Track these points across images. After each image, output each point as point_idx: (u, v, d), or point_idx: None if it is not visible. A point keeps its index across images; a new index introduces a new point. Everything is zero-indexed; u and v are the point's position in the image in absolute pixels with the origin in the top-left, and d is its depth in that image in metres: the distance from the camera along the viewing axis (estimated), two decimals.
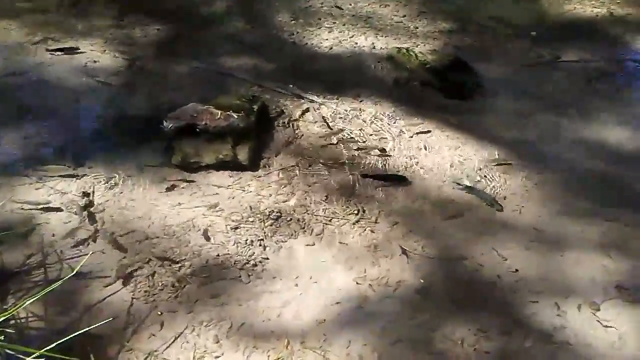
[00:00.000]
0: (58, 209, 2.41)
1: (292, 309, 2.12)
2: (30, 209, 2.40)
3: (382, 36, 3.74)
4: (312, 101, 3.13)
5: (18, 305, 1.91)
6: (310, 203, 2.55)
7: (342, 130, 2.96)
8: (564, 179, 2.77)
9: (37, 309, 2.02)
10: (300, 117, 3.02)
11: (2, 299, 2.02)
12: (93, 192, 2.51)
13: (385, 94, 3.25)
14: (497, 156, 2.87)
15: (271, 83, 3.23)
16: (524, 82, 3.45)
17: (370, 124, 3.01)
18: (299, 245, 2.36)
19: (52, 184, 2.52)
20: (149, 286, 2.15)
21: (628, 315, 2.17)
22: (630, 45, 3.90)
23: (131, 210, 2.45)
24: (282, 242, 2.38)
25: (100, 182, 2.56)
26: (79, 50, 3.36)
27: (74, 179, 2.55)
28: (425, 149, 2.89)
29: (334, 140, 2.89)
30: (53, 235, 2.31)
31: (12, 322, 1.94)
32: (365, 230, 2.45)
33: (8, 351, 1.74)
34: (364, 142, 2.90)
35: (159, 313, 2.07)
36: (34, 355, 1.68)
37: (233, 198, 2.55)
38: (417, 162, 2.81)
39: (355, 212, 2.53)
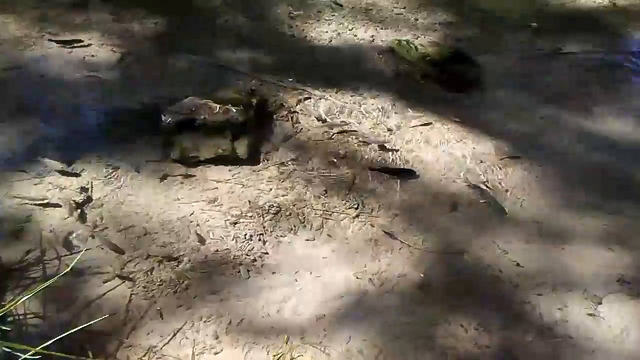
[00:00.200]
0: (56, 205, 2.39)
1: (292, 305, 2.11)
2: (28, 205, 2.39)
3: (382, 28, 3.71)
4: (311, 94, 3.11)
5: (15, 302, 1.89)
6: (310, 197, 2.54)
7: (341, 123, 2.94)
8: (565, 172, 2.75)
9: (35, 306, 2.01)
10: (299, 111, 2.99)
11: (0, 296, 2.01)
12: (91, 187, 2.49)
13: (385, 86, 3.23)
14: (498, 149, 2.85)
15: (270, 76, 3.21)
16: (525, 74, 3.43)
17: (370, 117, 2.99)
18: (298, 240, 2.35)
19: (50, 180, 2.50)
20: (147, 282, 2.14)
21: (630, 308, 2.16)
22: (632, 36, 3.88)
23: (129, 205, 2.43)
24: (282, 237, 2.36)
25: (99, 177, 2.54)
26: (84, 43, 3.33)
27: (72, 174, 2.54)
28: (426, 142, 2.87)
29: (334, 134, 2.88)
30: (51, 231, 2.29)
31: (10, 319, 1.92)
32: (365, 224, 2.43)
33: (5, 349, 1.73)
34: (363, 135, 2.88)
35: (158, 309, 2.05)
36: (31, 353, 1.67)
37: (232, 193, 2.53)
38: (417, 156, 2.79)
39: (355, 206, 2.51)
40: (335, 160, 2.73)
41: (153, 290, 2.12)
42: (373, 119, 2.99)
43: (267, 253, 2.29)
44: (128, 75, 3.17)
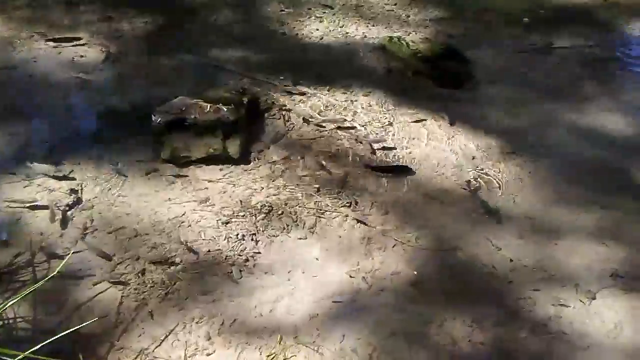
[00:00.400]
0: (46, 207, 2.37)
1: (285, 304, 2.09)
2: (17, 207, 2.36)
3: (373, 25, 3.70)
4: (303, 92, 3.09)
5: (3, 306, 1.87)
6: (302, 196, 2.52)
7: (333, 121, 2.92)
8: (559, 167, 2.74)
9: (25, 310, 1.99)
10: (291, 109, 2.98)
11: None
12: (81, 189, 2.47)
13: (377, 83, 3.21)
14: (490, 145, 2.84)
15: (261, 75, 3.19)
16: (517, 69, 3.42)
17: (362, 115, 2.98)
18: (291, 239, 2.33)
19: (40, 182, 2.48)
20: (138, 284, 2.12)
21: (624, 303, 2.15)
22: (623, 30, 3.87)
23: (120, 206, 2.41)
24: (274, 236, 2.34)
25: (88, 178, 2.52)
26: (73, 43, 3.30)
27: (62, 176, 2.51)
28: (418, 138, 2.86)
29: (326, 132, 2.86)
30: (41, 233, 2.27)
31: None
32: (358, 222, 2.42)
33: None
34: (356, 132, 2.87)
35: (149, 311, 2.03)
36: (19, 357, 1.65)
37: (224, 192, 2.51)
38: (410, 152, 2.78)
39: (348, 204, 2.50)
40: (327, 158, 2.71)
41: (144, 292, 2.10)
42: (365, 116, 2.97)
43: (259, 253, 2.27)
44: (118, 75, 3.15)
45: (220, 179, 2.58)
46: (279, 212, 2.43)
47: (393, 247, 2.33)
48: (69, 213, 2.35)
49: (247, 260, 2.24)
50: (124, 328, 1.98)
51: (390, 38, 3.52)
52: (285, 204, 2.47)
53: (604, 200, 2.57)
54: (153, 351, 1.92)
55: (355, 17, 3.77)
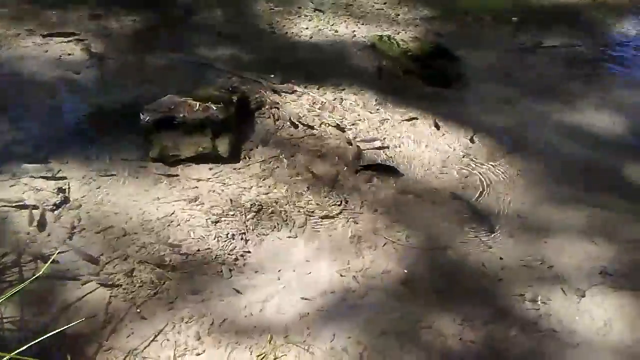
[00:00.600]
0: (33, 207, 2.34)
1: (275, 303, 2.08)
2: (4, 207, 2.33)
3: (362, 24, 3.69)
4: (293, 91, 3.08)
5: None
6: (292, 195, 2.51)
7: (323, 120, 2.91)
8: (548, 166, 2.75)
9: (12, 310, 1.96)
10: (281, 108, 2.96)
11: None
12: (69, 188, 2.44)
13: (367, 82, 3.21)
14: (480, 144, 2.84)
15: (251, 73, 3.17)
16: (506, 68, 3.43)
17: (352, 113, 2.97)
18: (281, 238, 2.32)
19: (26, 181, 2.45)
20: (127, 283, 2.10)
21: (613, 301, 2.16)
22: (612, 30, 3.90)
23: (108, 206, 2.39)
24: (264, 235, 2.33)
25: (76, 178, 2.49)
26: (61, 41, 3.27)
27: (49, 175, 2.48)
28: (408, 137, 2.86)
29: (316, 131, 2.85)
30: (28, 233, 2.24)
31: None
32: (348, 221, 2.41)
33: None
34: (346, 132, 2.86)
35: (138, 311, 2.02)
36: (6, 358, 1.62)
37: (213, 191, 2.50)
38: (400, 151, 2.78)
39: (338, 203, 2.49)
40: (317, 157, 2.70)
41: (133, 291, 2.08)
42: (355, 115, 2.97)
43: (249, 252, 2.26)
44: (106, 73, 3.12)
45: (209, 177, 2.56)
46: (269, 211, 2.42)
47: (383, 246, 2.32)
48: (53, 213, 2.33)
49: (237, 259, 2.23)
50: (112, 328, 1.96)
51: (380, 37, 3.52)
52: (276, 203, 2.46)
53: (593, 198, 2.58)
54: (142, 351, 1.90)
55: (345, 16, 3.76)
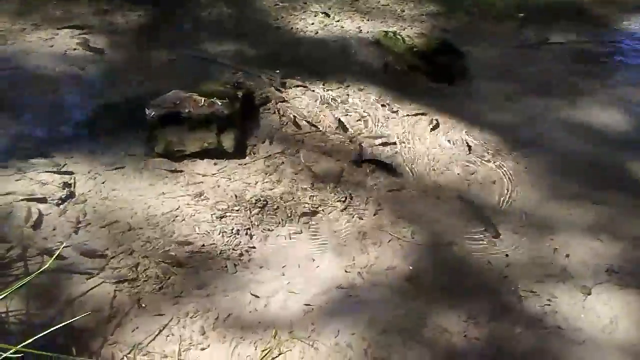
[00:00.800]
0: (38, 201, 2.35)
1: (280, 299, 2.08)
2: (10, 201, 2.34)
3: (368, 20, 3.69)
4: (298, 87, 3.08)
5: None
6: (297, 190, 2.51)
7: (328, 116, 2.91)
8: (553, 162, 2.74)
9: (18, 304, 1.97)
10: (286, 104, 2.96)
11: None
12: (74, 182, 2.45)
13: (372, 78, 3.20)
14: (485, 140, 2.84)
15: (256, 69, 3.17)
16: (512, 64, 3.42)
17: (357, 110, 2.97)
18: (286, 234, 2.32)
19: (32, 175, 2.46)
20: (132, 278, 2.10)
21: (619, 299, 2.15)
22: (617, 26, 3.88)
23: (114, 200, 2.39)
24: (269, 230, 2.33)
25: (82, 172, 2.49)
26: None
27: (55, 169, 2.49)
28: (413, 133, 2.85)
29: (321, 127, 2.85)
30: (33, 227, 2.25)
31: None
32: (353, 217, 2.41)
33: None
34: (350, 127, 2.85)
35: (143, 305, 2.02)
36: (12, 351, 1.63)
37: (218, 187, 2.50)
38: (405, 147, 2.77)
39: (343, 199, 2.49)
40: (322, 153, 2.70)
41: (138, 286, 2.08)
42: (360, 111, 2.96)
43: (254, 247, 2.26)
44: (111, 68, 3.13)
45: (214, 173, 2.56)
46: (274, 207, 2.42)
47: (388, 242, 2.32)
48: (59, 208, 2.33)
49: (241, 254, 2.23)
50: (117, 322, 1.96)
51: (386, 33, 3.51)
52: (280, 199, 2.46)
53: (598, 195, 2.57)
54: (147, 345, 1.90)
55: (351, 11, 3.75)
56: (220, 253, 2.22)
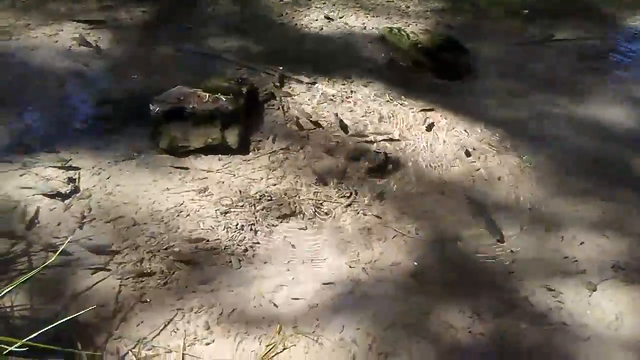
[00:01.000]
0: (43, 196, 2.35)
1: (284, 294, 2.08)
2: (15, 197, 2.34)
3: (373, 16, 3.68)
4: (302, 83, 3.07)
5: None
6: (302, 186, 2.50)
7: (332, 112, 2.90)
8: (559, 159, 2.73)
9: (23, 298, 1.97)
10: (290, 100, 2.96)
11: None
12: (79, 178, 2.45)
13: (377, 75, 3.20)
14: (491, 136, 2.83)
15: (260, 65, 3.17)
16: (517, 61, 3.41)
17: (361, 106, 2.96)
18: (290, 229, 2.32)
19: (37, 170, 2.46)
20: (137, 273, 2.10)
21: (625, 295, 2.14)
22: (623, 22, 3.86)
23: (118, 196, 2.39)
24: (273, 226, 2.33)
25: (86, 168, 2.49)
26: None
27: (60, 165, 2.49)
28: (418, 129, 2.84)
29: (325, 123, 2.84)
30: (38, 222, 2.25)
31: None
32: (357, 213, 2.41)
33: None
34: (355, 124, 2.85)
35: (148, 300, 2.02)
36: (17, 345, 1.63)
37: (223, 182, 2.49)
38: (410, 143, 2.76)
39: (348, 194, 2.49)
40: (326, 149, 2.70)
41: (143, 281, 2.08)
42: (364, 107, 2.95)
43: (258, 243, 2.26)
44: (115, 64, 3.13)
45: (219, 169, 2.56)
46: (279, 203, 2.42)
47: (393, 238, 2.31)
48: (64, 203, 2.33)
49: (246, 250, 2.23)
50: (122, 317, 1.96)
51: (390, 29, 3.50)
52: (285, 194, 2.46)
53: (604, 192, 2.56)
54: (152, 340, 1.90)
55: (355, 8, 3.75)
56: (224, 248, 2.22)
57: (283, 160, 2.62)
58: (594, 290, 2.15)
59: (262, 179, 2.52)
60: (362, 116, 2.90)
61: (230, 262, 2.18)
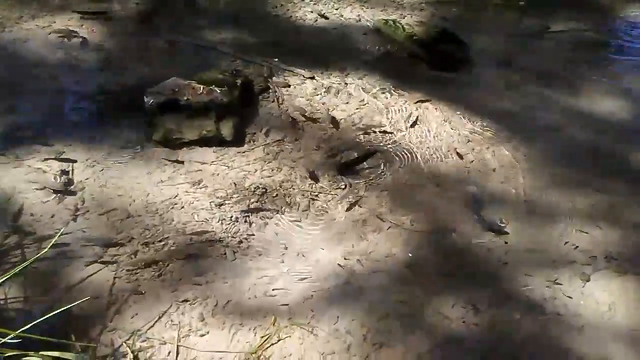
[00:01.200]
0: (37, 188, 2.34)
1: (279, 286, 2.08)
2: (8, 188, 2.33)
3: (368, 8, 3.66)
4: (297, 75, 3.06)
5: None
6: (296, 178, 2.50)
7: (327, 104, 2.90)
8: (553, 150, 2.74)
9: (17, 290, 1.97)
10: (285, 92, 2.95)
11: None
12: (72, 170, 2.44)
13: (372, 67, 3.19)
14: (486, 128, 2.83)
15: (255, 57, 3.16)
16: (513, 52, 3.40)
17: (356, 98, 2.96)
18: (285, 221, 2.32)
19: (30, 163, 2.44)
20: (131, 265, 2.09)
21: (618, 285, 2.15)
22: (619, 15, 3.86)
23: (112, 188, 2.38)
24: (268, 218, 2.33)
25: (80, 160, 2.48)
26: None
27: (53, 157, 2.48)
28: (413, 121, 2.84)
29: (320, 115, 2.84)
30: (31, 214, 2.24)
31: None
32: (352, 205, 2.40)
33: None
34: (349, 116, 2.84)
35: (142, 292, 2.02)
36: (11, 336, 1.63)
37: (217, 174, 2.49)
38: (405, 135, 2.76)
39: (342, 186, 2.48)
40: (321, 140, 2.69)
41: (137, 273, 2.08)
42: (360, 99, 2.95)
43: (253, 235, 2.25)
44: (109, 56, 3.11)
45: (213, 161, 2.55)
46: (273, 194, 2.41)
47: (388, 229, 2.31)
48: (57, 195, 2.32)
49: (240, 242, 2.22)
50: (116, 309, 1.96)
51: (386, 21, 3.49)
52: (280, 186, 2.45)
53: (598, 183, 2.56)
54: (146, 332, 1.90)
55: (350, 0, 3.73)
56: (219, 240, 2.22)
57: (278, 152, 2.62)
58: (588, 280, 2.16)
59: (256, 171, 2.52)
60: (357, 108, 2.89)
61: (225, 254, 2.18)
